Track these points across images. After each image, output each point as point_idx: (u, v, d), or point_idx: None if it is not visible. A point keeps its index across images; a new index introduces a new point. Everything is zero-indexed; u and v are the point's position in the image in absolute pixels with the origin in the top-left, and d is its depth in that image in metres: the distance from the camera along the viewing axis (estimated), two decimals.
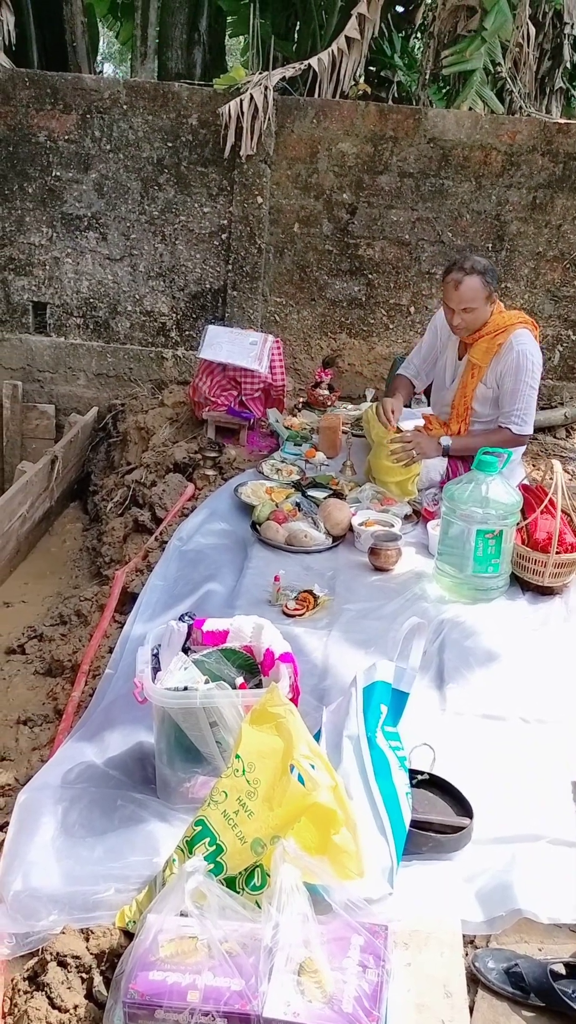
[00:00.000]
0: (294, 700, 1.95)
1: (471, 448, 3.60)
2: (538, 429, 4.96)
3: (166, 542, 3.48)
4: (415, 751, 2.04)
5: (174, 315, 5.27)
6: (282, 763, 1.61)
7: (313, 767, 1.61)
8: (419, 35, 9.13)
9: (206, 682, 1.92)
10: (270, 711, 1.68)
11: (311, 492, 3.68)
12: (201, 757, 1.97)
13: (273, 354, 4.45)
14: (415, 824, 1.84)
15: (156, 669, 1.99)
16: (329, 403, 4.82)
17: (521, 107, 5.30)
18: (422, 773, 2.03)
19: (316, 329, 5.30)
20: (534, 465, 4.46)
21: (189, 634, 2.07)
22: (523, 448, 3.96)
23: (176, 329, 5.30)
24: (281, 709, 1.68)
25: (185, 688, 1.87)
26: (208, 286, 5.21)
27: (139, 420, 4.90)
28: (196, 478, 4.10)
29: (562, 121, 4.95)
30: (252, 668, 2.08)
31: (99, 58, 12.19)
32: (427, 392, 4.12)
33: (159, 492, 3.97)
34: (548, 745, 2.27)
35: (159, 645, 2.04)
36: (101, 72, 9.50)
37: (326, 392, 4.79)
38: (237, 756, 1.64)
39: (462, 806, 1.99)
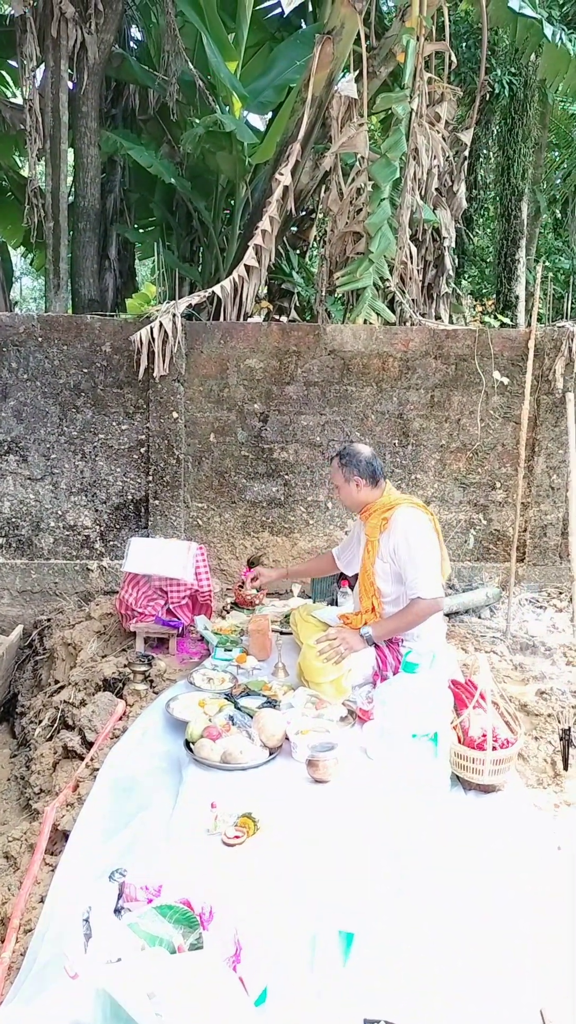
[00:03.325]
0: (236, 956, 1.85)
1: (393, 630, 3.70)
2: (463, 611, 5.09)
3: (97, 769, 3.36)
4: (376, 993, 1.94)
5: (98, 527, 5.33)
6: None
7: None
8: (315, 246, 9.98)
9: (142, 948, 1.80)
10: (206, 983, 1.58)
11: (244, 702, 3.63)
12: None
13: (197, 561, 4.52)
14: None
15: (88, 935, 1.86)
16: (257, 602, 4.86)
17: (411, 316, 5.76)
18: (378, 1022, 1.92)
19: (239, 530, 5.41)
20: (463, 648, 4.52)
21: (121, 893, 1.96)
22: (444, 629, 4.04)
23: (100, 540, 5.35)
24: (218, 982, 1.58)
25: (119, 960, 1.75)
26: (130, 497, 5.32)
27: (66, 635, 4.82)
28: (127, 694, 4.02)
29: (449, 328, 5.40)
30: (191, 922, 1.97)
31: (16, 272, 12.92)
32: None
33: (88, 713, 3.87)
34: (512, 973, 2.17)
35: (90, 908, 1.92)
36: (17, 303, 10.01)
37: (253, 591, 4.83)
38: None
39: None
